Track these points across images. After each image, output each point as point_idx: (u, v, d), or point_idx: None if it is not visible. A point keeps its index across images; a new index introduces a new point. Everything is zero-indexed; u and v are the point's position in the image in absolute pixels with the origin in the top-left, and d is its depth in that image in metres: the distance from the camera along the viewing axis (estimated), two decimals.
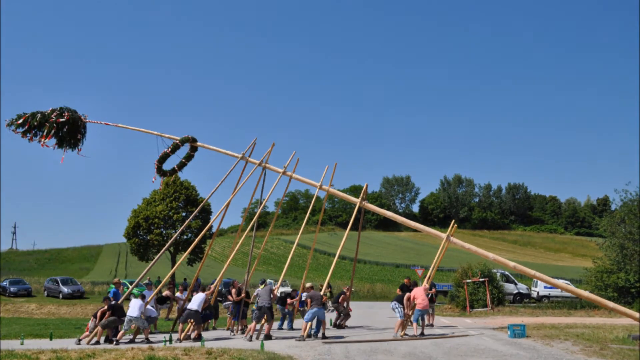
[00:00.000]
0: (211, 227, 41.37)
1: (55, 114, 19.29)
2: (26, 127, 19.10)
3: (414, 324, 15.25)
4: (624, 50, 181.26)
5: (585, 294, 14.77)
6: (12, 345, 13.28)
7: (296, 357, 11.39)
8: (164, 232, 38.00)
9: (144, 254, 38.79)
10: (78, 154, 20.08)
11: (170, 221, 38.07)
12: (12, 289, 37.86)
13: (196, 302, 15.61)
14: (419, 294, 15.45)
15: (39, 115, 19.23)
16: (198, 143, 19.55)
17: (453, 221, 18.37)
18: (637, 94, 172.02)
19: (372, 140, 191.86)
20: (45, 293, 38.57)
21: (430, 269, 17.49)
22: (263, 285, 16.32)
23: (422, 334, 15.34)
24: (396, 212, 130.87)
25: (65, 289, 37.10)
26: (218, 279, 18.19)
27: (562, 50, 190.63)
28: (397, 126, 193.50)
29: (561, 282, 14.86)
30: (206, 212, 40.00)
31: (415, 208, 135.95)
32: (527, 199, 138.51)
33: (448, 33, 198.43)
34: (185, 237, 39.02)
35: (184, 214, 38.85)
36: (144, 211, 37.91)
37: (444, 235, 16.39)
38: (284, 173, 18.78)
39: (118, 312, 15.18)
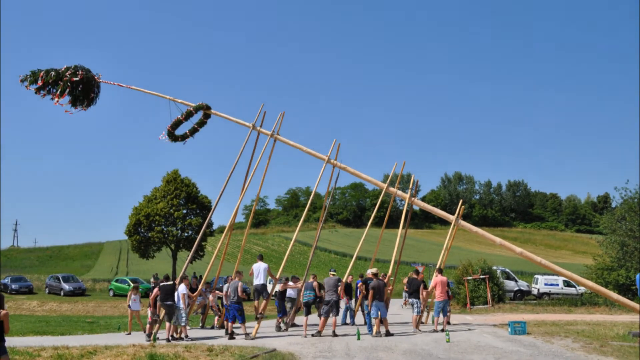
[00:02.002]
0: (211, 223, 41.56)
1: (69, 72, 19.27)
2: (40, 83, 19.14)
3: (436, 319, 15.16)
4: (624, 48, 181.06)
5: (590, 283, 14.90)
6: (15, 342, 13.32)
7: (297, 354, 11.42)
8: (164, 229, 38.06)
9: (145, 251, 38.90)
10: (85, 110, 20.01)
11: (171, 218, 38.12)
12: (13, 286, 37.96)
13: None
14: (438, 285, 15.38)
15: (52, 72, 19.23)
16: (212, 111, 19.51)
17: (461, 202, 18.50)
18: (637, 92, 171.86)
19: (372, 139, 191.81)
20: (47, 290, 38.66)
21: (442, 254, 17.51)
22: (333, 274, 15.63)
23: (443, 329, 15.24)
24: (397, 209, 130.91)
25: (66, 286, 37.17)
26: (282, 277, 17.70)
27: (563, 48, 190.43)
28: (398, 123, 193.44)
29: (567, 272, 14.90)
30: (207, 210, 40.06)
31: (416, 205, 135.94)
32: (527, 196, 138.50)
33: (449, 30, 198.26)
34: (186, 234, 39.14)
35: (184, 211, 38.92)
36: (145, 208, 37.99)
37: (452, 217, 16.58)
38: (295, 146, 18.68)
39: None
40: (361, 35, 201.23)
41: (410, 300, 15.80)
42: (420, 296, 15.46)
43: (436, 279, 15.55)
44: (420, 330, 14.97)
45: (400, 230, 18.32)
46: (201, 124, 19.58)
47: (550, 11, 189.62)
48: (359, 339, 12.57)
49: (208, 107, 19.43)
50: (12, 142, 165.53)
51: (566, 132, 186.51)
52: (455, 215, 16.90)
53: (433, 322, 15.51)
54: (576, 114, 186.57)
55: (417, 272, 16.66)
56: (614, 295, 14.27)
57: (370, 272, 15.34)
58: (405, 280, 17.48)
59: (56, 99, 19.20)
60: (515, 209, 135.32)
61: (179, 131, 19.74)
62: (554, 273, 17.09)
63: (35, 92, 19.32)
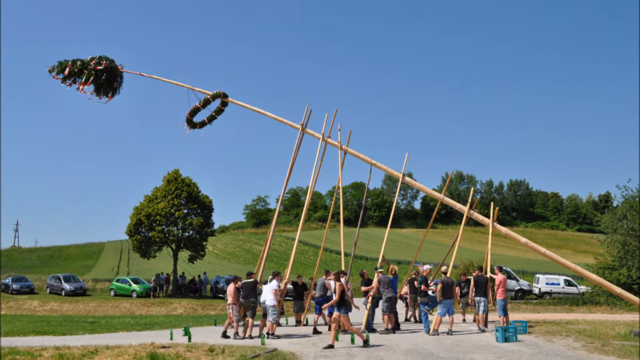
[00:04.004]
0: (212, 223, 41.50)
1: (94, 61, 19.93)
2: (66, 73, 19.78)
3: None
4: (623, 47, 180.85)
5: (594, 276, 14.99)
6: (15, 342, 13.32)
7: (298, 353, 11.42)
8: (165, 229, 38.03)
9: (145, 251, 38.85)
10: (107, 102, 20.65)
11: (172, 218, 38.09)
12: (14, 286, 37.98)
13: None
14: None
15: (78, 62, 19.91)
16: (229, 98, 19.91)
17: (492, 203, 18.48)
18: (638, 92, 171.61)
19: (372, 139, 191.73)
20: (48, 290, 38.68)
21: (486, 254, 17.27)
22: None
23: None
24: (398, 209, 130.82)
25: (67, 286, 37.19)
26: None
27: (562, 47, 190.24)
28: (397, 123, 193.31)
29: (573, 265, 14.95)
30: (207, 209, 40.04)
31: (417, 205, 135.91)
32: (528, 196, 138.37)
33: (449, 32, 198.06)
34: (187, 234, 39.12)
35: (185, 210, 38.87)
36: (146, 208, 37.92)
37: (488, 221, 16.71)
38: (319, 140, 18.84)
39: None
40: (361, 35, 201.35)
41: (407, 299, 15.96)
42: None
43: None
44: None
45: (387, 229, 18.38)
46: (219, 111, 20.13)
47: (548, 12, 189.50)
48: (352, 342, 12.53)
49: (225, 95, 19.85)
50: (12, 142, 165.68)
51: (567, 131, 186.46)
52: (491, 219, 17.00)
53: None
54: (577, 113, 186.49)
55: (418, 273, 16.70)
56: (617, 289, 14.31)
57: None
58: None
59: (81, 87, 19.87)
60: (516, 208, 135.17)
61: (197, 118, 20.24)
62: (554, 272, 17.12)
63: (62, 82, 19.94)
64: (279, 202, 21.79)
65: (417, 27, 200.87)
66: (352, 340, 12.63)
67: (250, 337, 14.28)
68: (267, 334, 14.05)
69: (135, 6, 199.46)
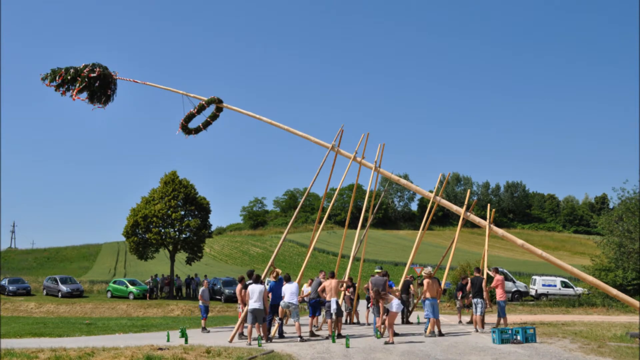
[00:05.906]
0: (209, 225, 41.46)
1: (87, 69, 20.03)
2: (59, 81, 19.89)
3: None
4: (622, 46, 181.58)
5: (590, 278, 15.03)
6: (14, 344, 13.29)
7: (295, 355, 11.42)
8: (162, 230, 38.00)
9: (142, 252, 38.83)
10: (104, 108, 20.79)
11: (169, 220, 38.06)
12: (10, 287, 37.89)
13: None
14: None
15: (72, 70, 20.03)
16: (224, 104, 19.91)
17: (489, 205, 18.51)
18: (637, 92, 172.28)
19: (368, 139, 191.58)
20: (45, 292, 38.59)
21: (483, 256, 17.23)
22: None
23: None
24: (395, 211, 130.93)
25: (64, 288, 37.12)
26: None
27: (559, 47, 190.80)
28: (394, 124, 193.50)
29: (569, 266, 14.99)
30: (205, 211, 40.03)
31: (414, 206, 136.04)
32: (525, 197, 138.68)
33: (447, 32, 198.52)
34: (184, 235, 39.11)
35: (182, 212, 38.85)
36: (143, 210, 37.89)
37: (485, 223, 16.65)
38: (326, 145, 18.87)
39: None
40: (360, 37, 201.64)
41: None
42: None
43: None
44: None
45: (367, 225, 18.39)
46: (214, 117, 20.09)
47: (544, 14, 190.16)
48: (347, 346, 12.54)
49: (220, 101, 19.86)
50: (10, 143, 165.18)
51: (564, 133, 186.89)
52: (488, 221, 16.90)
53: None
54: (574, 114, 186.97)
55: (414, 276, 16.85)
56: (613, 291, 14.35)
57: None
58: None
59: (74, 95, 19.90)
60: (513, 210, 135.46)
61: (192, 124, 20.24)
62: (551, 274, 17.16)
63: (55, 90, 20.01)
64: (298, 207, 21.49)
65: (412, 28, 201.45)
66: (347, 344, 12.64)
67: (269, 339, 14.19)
68: (300, 337, 13.89)
69: (134, 8, 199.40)
